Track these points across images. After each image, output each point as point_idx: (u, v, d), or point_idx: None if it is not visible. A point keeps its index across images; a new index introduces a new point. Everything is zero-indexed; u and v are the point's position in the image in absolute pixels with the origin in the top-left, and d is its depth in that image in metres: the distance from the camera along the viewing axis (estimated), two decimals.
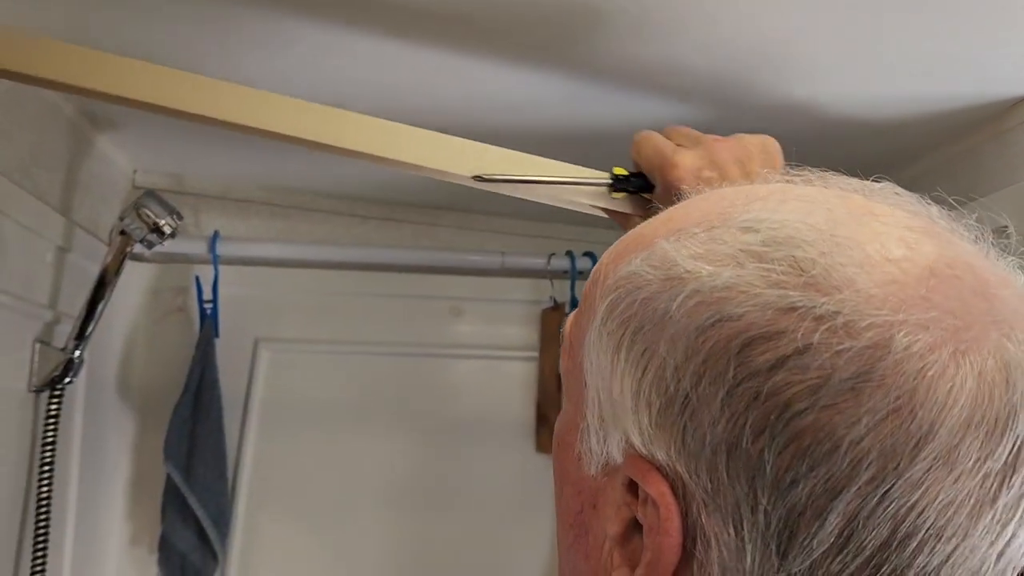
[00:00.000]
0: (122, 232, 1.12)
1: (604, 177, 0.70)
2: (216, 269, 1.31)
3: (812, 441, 0.30)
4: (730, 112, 0.98)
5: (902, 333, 0.30)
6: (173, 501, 1.27)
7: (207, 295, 1.33)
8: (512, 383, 1.48)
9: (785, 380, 0.30)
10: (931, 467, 0.29)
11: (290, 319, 1.43)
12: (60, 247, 1.11)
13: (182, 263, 1.36)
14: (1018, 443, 0.30)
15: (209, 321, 1.32)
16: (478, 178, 0.68)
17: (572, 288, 1.45)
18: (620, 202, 0.71)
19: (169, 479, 1.27)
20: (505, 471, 1.45)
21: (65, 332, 1.10)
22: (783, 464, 0.30)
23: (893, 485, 0.29)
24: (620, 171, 0.69)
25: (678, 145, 0.66)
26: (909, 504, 0.29)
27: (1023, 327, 0.32)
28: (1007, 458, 0.30)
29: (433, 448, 1.45)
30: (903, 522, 0.30)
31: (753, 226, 0.34)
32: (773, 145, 0.66)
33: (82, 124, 1.15)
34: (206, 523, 1.26)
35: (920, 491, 0.29)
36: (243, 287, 1.37)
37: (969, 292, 0.32)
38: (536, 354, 1.48)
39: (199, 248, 1.30)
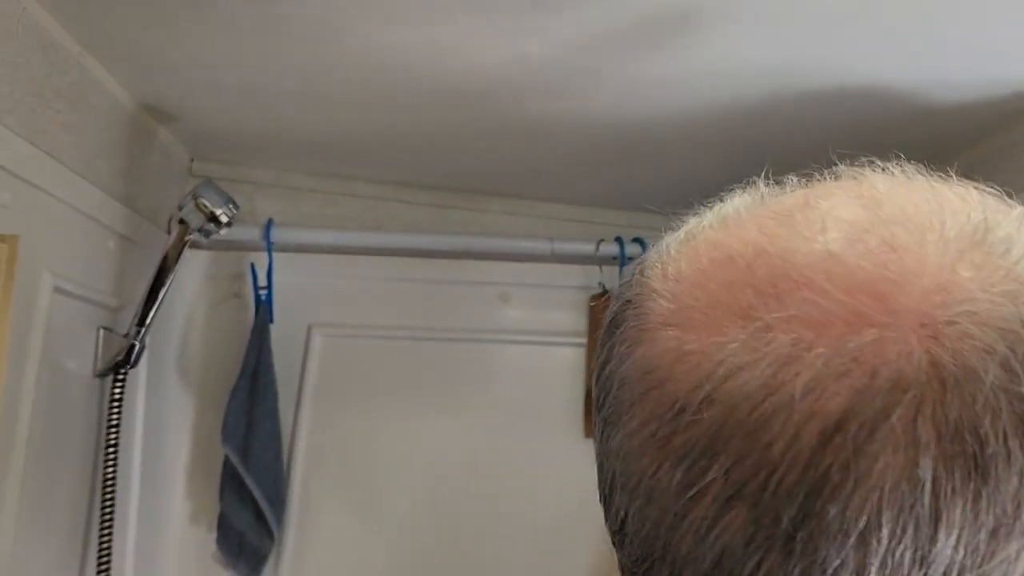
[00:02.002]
0: (181, 221, 1.15)
1: None
2: (270, 256, 1.34)
3: None
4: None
5: None
6: (231, 482, 1.31)
7: (262, 281, 1.35)
8: (560, 369, 1.49)
9: None
10: None
11: (342, 305, 1.45)
12: (122, 236, 1.14)
13: (237, 250, 1.39)
14: None
15: (264, 307, 1.35)
16: None
17: (621, 274, 1.45)
18: None
19: (227, 460, 1.30)
20: (552, 456, 1.46)
21: (127, 319, 1.14)
22: None
23: None
24: None
25: None
26: None
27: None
28: None
29: (481, 433, 1.46)
30: None
31: None
32: None
33: (142, 116, 1.17)
34: (263, 503, 1.30)
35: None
36: (296, 274, 1.40)
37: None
38: (584, 340, 1.49)
39: (253, 235, 1.33)
